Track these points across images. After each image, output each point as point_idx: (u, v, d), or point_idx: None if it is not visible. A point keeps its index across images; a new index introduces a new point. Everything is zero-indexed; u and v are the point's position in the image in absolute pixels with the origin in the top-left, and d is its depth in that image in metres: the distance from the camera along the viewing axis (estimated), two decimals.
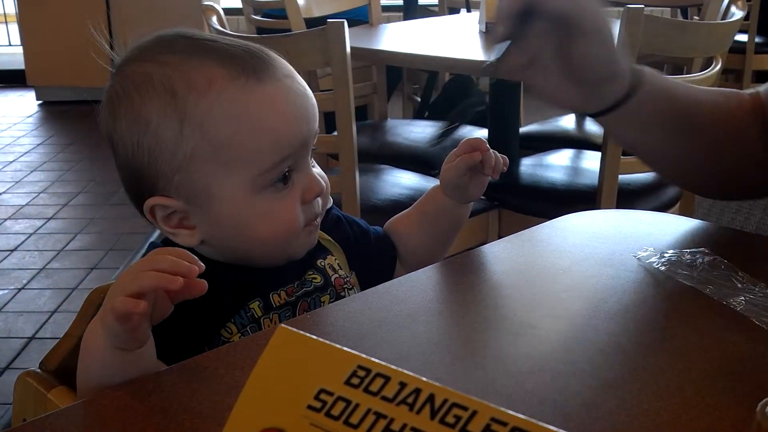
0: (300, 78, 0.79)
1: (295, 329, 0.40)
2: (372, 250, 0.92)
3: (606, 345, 0.66)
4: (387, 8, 3.85)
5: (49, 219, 3.17)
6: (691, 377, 0.61)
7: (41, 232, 3.05)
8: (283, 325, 0.40)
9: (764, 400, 0.40)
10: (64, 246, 2.91)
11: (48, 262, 2.77)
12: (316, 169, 0.81)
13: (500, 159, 0.89)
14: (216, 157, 0.74)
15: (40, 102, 5.03)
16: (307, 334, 0.39)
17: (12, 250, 2.88)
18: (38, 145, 4.22)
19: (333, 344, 0.38)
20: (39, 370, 0.80)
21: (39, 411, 0.76)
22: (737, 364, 0.63)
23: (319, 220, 0.82)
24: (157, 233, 2.85)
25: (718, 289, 0.73)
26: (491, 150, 0.88)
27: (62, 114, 4.77)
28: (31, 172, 3.76)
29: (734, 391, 0.59)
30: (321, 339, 0.39)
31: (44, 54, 4.86)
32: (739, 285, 0.74)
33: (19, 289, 2.57)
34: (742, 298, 0.71)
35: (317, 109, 0.80)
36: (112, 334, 0.62)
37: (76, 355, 0.81)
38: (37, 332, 2.30)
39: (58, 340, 0.81)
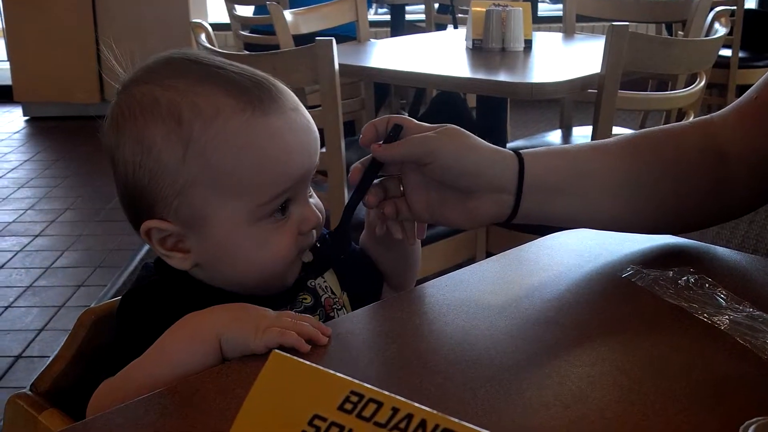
0: (305, 111, 0.80)
1: (288, 355, 0.41)
2: (361, 270, 0.92)
3: (591, 364, 0.67)
4: (374, 24, 3.87)
5: (36, 236, 3.16)
6: (675, 396, 0.62)
7: (28, 249, 3.04)
8: (276, 350, 0.41)
9: (746, 423, 0.41)
10: (51, 263, 2.90)
11: (35, 280, 2.76)
12: (313, 200, 0.82)
13: (411, 225, 0.84)
14: (216, 185, 0.74)
15: (27, 118, 5.02)
16: (301, 360, 0.40)
17: None
18: (25, 161, 4.22)
19: (326, 370, 0.39)
20: (30, 392, 0.80)
21: None
22: (721, 383, 0.64)
23: (308, 248, 0.82)
24: (145, 250, 2.85)
25: (702, 308, 0.74)
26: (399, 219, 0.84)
27: (49, 130, 4.76)
28: (18, 188, 3.75)
29: (718, 409, 0.60)
30: (314, 364, 0.40)
31: (31, 70, 4.85)
32: (724, 304, 0.75)
33: (6, 307, 2.56)
34: (727, 317, 0.73)
35: (319, 142, 0.80)
36: (236, 343, 0.68)
37: (68, 377, 0.81)
38: (24, 350, 2.29)
39: (45, 358, 0.82)
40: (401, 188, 0.84)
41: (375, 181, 0.82)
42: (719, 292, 0.77)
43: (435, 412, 0.36)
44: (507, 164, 0.82)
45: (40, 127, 4.86)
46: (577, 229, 0.96)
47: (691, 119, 0.92)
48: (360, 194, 0.81)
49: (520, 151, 0.84)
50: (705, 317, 0.73)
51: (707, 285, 0.79)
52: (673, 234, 0.94)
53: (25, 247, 3.06)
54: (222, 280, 0.79)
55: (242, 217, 0.76)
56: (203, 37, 1.98)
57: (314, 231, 0.81)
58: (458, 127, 0.82)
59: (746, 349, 0.68)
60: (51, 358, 0.82)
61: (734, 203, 0.90)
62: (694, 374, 0.65)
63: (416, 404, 0.37)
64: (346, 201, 1.65)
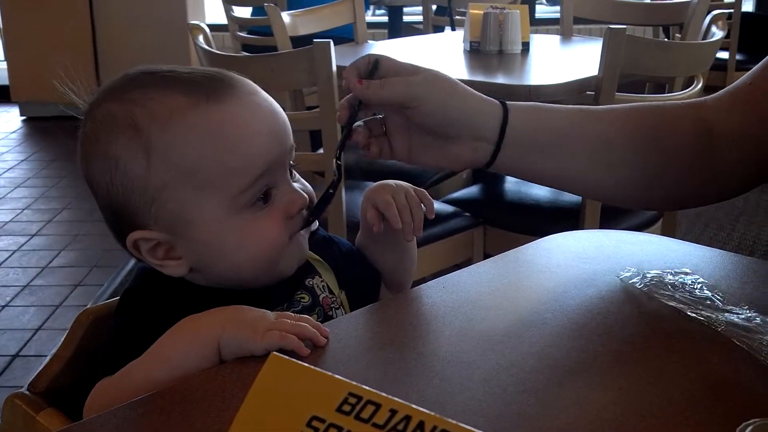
0: (266, 95, 0.79)
1: (287, 357, 0.41)
2: (359, 269, 0.92)
3: (589, 365, 0.67)
4: (372, 25, 3.87)
5: (33, 236, 3.16)
6: (673, 397, 0.62)
7: (25, 248, 3.04)
8: (275, 353, 0.41)
9: (743, 425, 0.41)
10: (48, 263, 2.90)
11: (32, 279, 2.76)
12: (298, 183, 0.81)
13: (417, 215, 0.84)
14: (187, 183, 0.74)
15: (24, 118, 5.02)
16: (299, 362, 0.40)
17: None
18: (22, 161, 4.21)
19: (325, 372, 0.39)
20: (27, 392, 0.80)
21: None
22: (718, 384, 0.64)
23: (307, 231, 0.81)
24: None
25: (699, 310, 0.75)
26: (404, 208, 0.83)
27: (46, 130, 4.76)
28: (15, 188, 3.75)
29: (715, 411, 0.60)
30: (313, 366, 0.40)
31: (28, 70, 4.85)
32: (721, 306, 0.75)
33: (3, 307, 2.56)
34: (724, 318, 0.73)
35: (289, 125, 0.80)
36: (235, 346, 0.68)
37: (66, 376, 0.81)
38: (21, 350, 2.29)
39: (42, 357, 0.82)
40: (383, 128, 0.85)
41: (359, 122, 0.84)
42: (716, 294, 0.77)
43: (433, 413, 0.37)
44: (490, 114, 0.84)
45: (37, 127, 4.86)
46: (574, 231, 0.97)
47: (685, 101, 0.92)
48: (349, 131, 0.83)
49: (507, 102, 0.85)
50: (702, 319, 0.73)
51: (704, 287, 0.79)
52: (657, 210, 0.94)
53: (21, 246, 3.05)
54: (220, 279, 0.79)
55: (223, 209, 0.75)
56: (201, 38, 1.98)
57: (304, 212, 0.80)
58: (442, 73, 0.83)
59: (743, 350, 0.68)
60: (48, 358, 0.82)
61: (722, 184, 0.90)
62: (691, 376, 0.65)
63: (414, 406, 0.37)
64: (345, 204, 1.64)
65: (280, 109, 0.80)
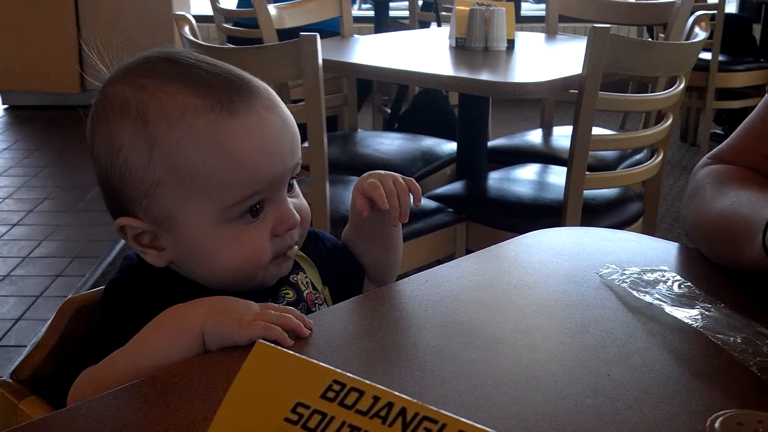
0: (283, 109, 0.78)
1: (272, 344, 0.41)
2: (342, 265, 0.93)
3: (568, 359, 0.68)
4: (358, 19, 3.87)
5: (14, 225, 3.14)
6: (649, 391, 0.63)
7: (6, 238, 3.02)
8: (261, 340, 0.42)
9: (713, 416, 0.42)
10: (29, 253, 2.88)
11: (12, 269, 2.74)
12: (295, 200, 0.81)
13: (404, 201, 0.84)
14: (182, 186, 0.74)
15: (5, 106, 4.97)
16: (285, 350, 0.41)
17: None
18: (3, 150, 4.18)
19: (310, 359, 0.40)
20: (10, 380, 0.80)
21: (10, 421, 0.77)
22: (694, 379, 0.66)
23: (292, 251, 0.81)
24: (123, 241, 2.83)
25: (676, 307, 0.76)
26: (391, 193, 0.84)
27: (28, 119, 4.72)
28: None
29: (690, 405, 0.62)
30: (298, 354, 0.41)
31: (10, 58, 4.80)
32: (697, 303, 0.77)
33: None
34: (700, 315, 0.74)
35: (298, 140, 0.79)
36: (220, 336, 0.68)
37: (49, 365, 0.82)
38: (0, 340, 2.28)
39: (22, 348, 0.82)
40: None
41: None
42: (694, 291, 0.79)
43: (415, 400, 0.38)
44: None
45: (19, 116, 4.82)
46: (555, 228, 0.98)
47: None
48: None
49: None
50: (679, 316, 0.75)
51: (682, 285, 0.80)
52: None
53: (2, 236, 3.03)
54: (198, 278, 0.79)
55: (210, 217, 0.75)
56: (186, 29, 1.98)
57: (293, 233, 0.80)
58: None
59: (718, 346, 0.70)
60: (30, 347, 0.82)
61: None
62: (668, 371, 0.67)
63: (396, 393, 0.38)
64: (329, 197, 1.64)
65: (293, 123, 0.79)
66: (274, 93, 0.79)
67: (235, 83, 0.76)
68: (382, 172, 0.86)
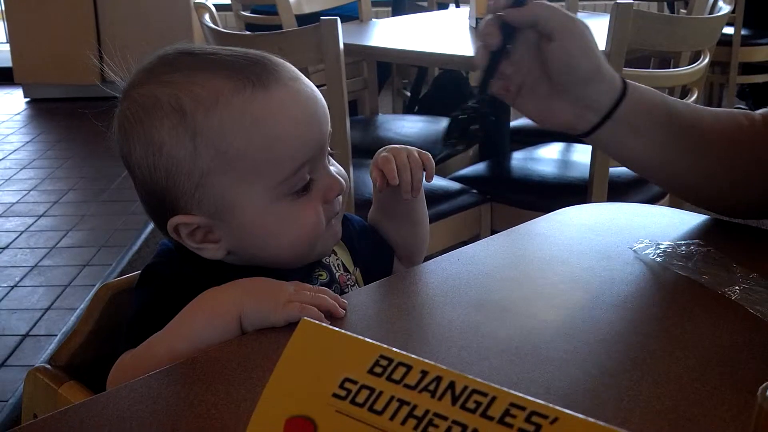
0: (307, 80, 0.79)
1: (317, 322, 0.42)
2: (371, 246, 0.93)
3: (606, 334, 0.68)
4: (375, 3, 3.85)
5: (40, 216, 3.17)
6: (688, 365, 0.63)
7: (32, 229, 3.05)
8: (305, 318, 0.42)
9: (765, 384, 0.42)
10: (55, 243, 2.91)
11: (40, 260, 2.77)
12: (335, 168, 0.81)
13: (416, 175, 0.84)
14: (232, 169, 0.74)
15: (27, 99, 5.01)
16: (330, 326, 0.41)
17: (4, 248, 2.88)
18: (27, 142, 4.21)
19: (355, 335, 0.40)
20: (49, 366, 0.81)
21: (49, 406, 0.77)
22: (733, 351, 0.65)
23: (338, 217, 0.83)
24: (149, 229, 2.85)
25: (713, 279, 0.75)
26: (404, 167, 0.84)
27: (50, 111, 4.75)
28: (21, 169, 3.76)
29: (731, 377, 0.61)
30: (343, 330, 0.41)
31: (32, 52, 4.84)
32: (733, 275, 0.76)
33: (12, 287, 2.58)
34: (737, 287, 0.74)
35: (327, 110, 0.80)
36: (257, 317, 0.69)
37: (86, 350, 0.82)
38: (31, 329, 2.31)
39: (52, 337, 0.83)
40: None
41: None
42: (729, 263, 0.78)
43: (463, 374, 0.37)
44: (609, 86, 0.85)
45: (41, 108, 4.86)
46: (586, 204, 0.97)
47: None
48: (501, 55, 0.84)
49: (627, 81, 0.86)
50: (715, 288, 0.74)
51: (717, 257, 0.80)
52: (738, 217, 0.94)
53: (29, 227, 3.06)
54: (255, 260, 0.79)
55: (266, 196, 0.76)
56: (207, 17, 1.97)
57: (339, 198, 0.81)
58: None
59: (756, 318, 0.69)
60: (62, 334, 0.83)
61: None
62: (706, 344, 0.66)
63: (444, 367, 0.38)
64: (353, 181, 1.64)
65: (320, 94, 0.80)
66: (293, 66, 0.80)
67: (258, 61, 0.77)
68: (397, 146, 0.86)
